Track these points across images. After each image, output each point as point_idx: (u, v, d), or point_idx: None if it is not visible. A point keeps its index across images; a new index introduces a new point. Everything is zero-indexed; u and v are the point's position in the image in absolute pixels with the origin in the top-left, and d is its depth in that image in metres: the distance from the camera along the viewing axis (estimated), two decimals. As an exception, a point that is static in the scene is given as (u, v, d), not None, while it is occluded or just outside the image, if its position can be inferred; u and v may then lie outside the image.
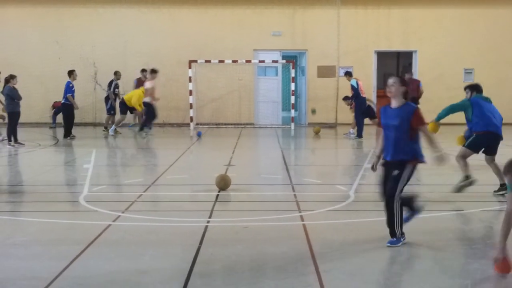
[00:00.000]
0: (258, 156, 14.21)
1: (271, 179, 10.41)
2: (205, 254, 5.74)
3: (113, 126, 18.13)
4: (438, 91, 21.98)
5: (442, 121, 8.77)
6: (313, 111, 19.27)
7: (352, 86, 17.34)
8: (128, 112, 18.57)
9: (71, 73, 17.11)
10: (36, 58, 21.07)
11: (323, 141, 17.21)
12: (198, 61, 20.66)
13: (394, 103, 5.96)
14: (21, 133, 15.72)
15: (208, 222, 7.02)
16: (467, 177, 8.56)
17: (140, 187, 9.24)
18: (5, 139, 15.12)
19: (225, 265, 5.44)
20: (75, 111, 17.12)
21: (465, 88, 9.07)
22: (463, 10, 22.10)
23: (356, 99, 17.27)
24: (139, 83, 19.28)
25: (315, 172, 11.66)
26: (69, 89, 16.80)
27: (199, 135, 17.62)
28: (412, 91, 18.75)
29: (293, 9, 21.91)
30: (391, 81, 5.96)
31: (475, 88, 9.03)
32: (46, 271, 5.18)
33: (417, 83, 18.83)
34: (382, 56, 22.89)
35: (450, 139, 10.81)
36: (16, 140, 14.89)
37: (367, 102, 17.36)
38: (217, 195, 8.56)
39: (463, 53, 22.09)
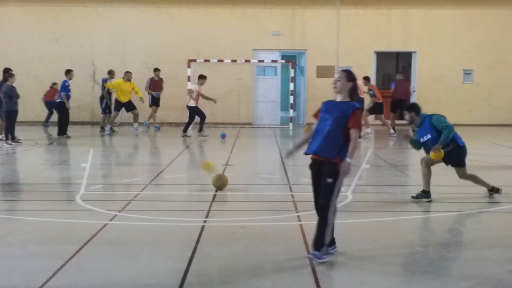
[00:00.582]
0: (256, 156, 14.19)
1: (269, 179, 10.40)
2: (202, 253, 5.72)
3: (108, 125, 18.14)
4: (437, 92, 22.02)
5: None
6: None
7: None
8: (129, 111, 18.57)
9: (68, 72, 17.13)
10: (35, 56, 21.06)
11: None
12: (197, 60, 20.63)
13: (339, 99, 5.45)
14: (18, 131, 15.70)
15: (205, 221, 7.00)
16: (425, 192, 8.19)
17: (137, 187, 9.22)
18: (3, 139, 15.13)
19: (222, 264, 5.42)
20: (71, 110, 17.15)
21: (406, 109, 8.23)
22: (463, 11, 22.11)
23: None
24: (153, 83, 19.30)
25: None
26: (64, 87, 16.82)
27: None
28: (400, 93, 18.71)
29: (292, 9, 21.91)
30: (336, 75, 5.46)
31: (414, 108, 8.22)
32: (43, 270, 5.16)
33: (407, 85, 18.68)
34: (382, 57, 22.90)
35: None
36: (13, 139, 14.87)
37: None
38: (214, 195, 8.54)
39: (462, 54, 22.11)
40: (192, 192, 9.13)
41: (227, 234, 6.44)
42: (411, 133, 8.56)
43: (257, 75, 22.41)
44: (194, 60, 20.62)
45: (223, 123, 21.16)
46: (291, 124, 20.66)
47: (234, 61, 20.82)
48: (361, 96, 17.36)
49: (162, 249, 5.90)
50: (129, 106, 18.41)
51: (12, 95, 14.82)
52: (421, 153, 8.50)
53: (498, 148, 15.55)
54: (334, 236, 5.58)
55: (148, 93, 19.56)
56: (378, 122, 19.42)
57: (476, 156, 12.90)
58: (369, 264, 5.44)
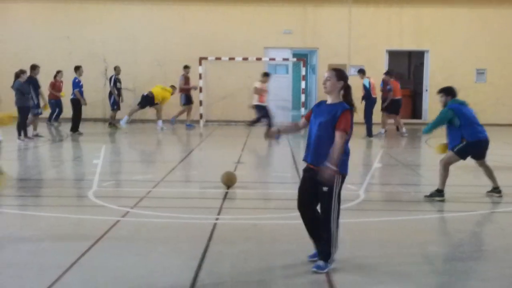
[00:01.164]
0: (267, 154, 14.16)
1: (281, 177, 10.37)
2: (214, 251, 5.70)
3: (126, 116, 18.29)
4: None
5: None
6: None
7: (364, 86, 17.21)
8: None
9: (77, 68, 17.17)
10: (46, 53, 21.12)
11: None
12: (208, 58, 20.62)
13: (329, 100, 5.19)
14: (31, 128, 15.75)
15: (217, 219, 6.99)
16: (439, 191, 8.21)
17: (149, 183, 9.22)
18: (39, 135, 15.34)
19: (234, 263, 5.40)
20: (84, 107, 17.20)
21: (439, 92, 8.42)
22: (476, 10, 21.95)
23: (367, 100, 17.14)
24: (185, 80, 19.33)
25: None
26: (76, 84, 16.87)
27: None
28: (396, 93, 18.27)
29: (304, 7, 21.85)
30: (326, 74, 5.19)
31: (450, 92, 8.38)
32: (55, 266, 5.16)
33: (398, 84, 18.31)
34: (394, 56, 22.78)
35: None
36: (26, 135, 14.93)
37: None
38: (226, 193, 8.53)
39: (475, 53, 21.94)
40: (204, 189, 9.11)
41: (239, 232, 6.42)
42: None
43: (268, 73, 22.34)
44: (205, 58, 20.61)
45: (235, 121, 21.13)
46: (302, 122, 20.60)
47: (245, 59, 20.78)
48: (374, 96, 17.27)
49: (174, 246, 5.89)
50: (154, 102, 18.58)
51: (24, 91, 14.88)
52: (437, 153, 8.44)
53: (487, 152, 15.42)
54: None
55: (183, 91, 19.49)
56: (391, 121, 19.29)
57: (491, 156, 12.80)
58: (382, 264, 5.40)
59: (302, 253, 5.66)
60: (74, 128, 16.85)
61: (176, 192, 8.73)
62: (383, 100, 17.74)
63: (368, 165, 11.90)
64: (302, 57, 22.07)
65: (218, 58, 20.63)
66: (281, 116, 19.74)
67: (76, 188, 9.45)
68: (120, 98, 18.96)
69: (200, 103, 20.47)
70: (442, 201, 8.09)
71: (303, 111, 21.10)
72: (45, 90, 17.41)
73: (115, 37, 21.60)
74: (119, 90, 18.88)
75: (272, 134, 5.59)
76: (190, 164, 11.60)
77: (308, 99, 22.86)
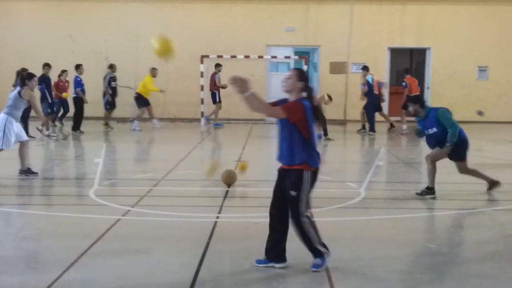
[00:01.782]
0: (268, 152, 14.12)
1: (282, 175, 10.36)
2: (215, 249, 5.72)
3: (136, 122, 18.06)
4: (452, 89, 21.86)
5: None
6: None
7: (367, 82, 17.24)
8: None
9: (78, 67, 17.17)
10: (49, 51, 21.12)
11: (333, 137, 17.14)
12: (210, 56, 20.62)
13: (290, 99, 5.14)
14: (31, 126, 15.73)
15: (217, 217, 7.00)
16: (429, 188, 8.20)
17: (150, 182, 9.24)
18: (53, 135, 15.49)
19: (234, 261, 5.42)
20: (86, 105, 17.20)
21: (408, 101, 8.66)
22: (478, 7, 21.91)
23: (369, 96, 17.17)
24: (219, 79, 19.31)
25: (325, 169, 11.58)
26: (77, 83, 16.87)
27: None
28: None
29: (306, 4, 21.83)
30: (287, 73, 5.16)
31: (418, 100, 8.52)
32: (56, 264, 5.18)
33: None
34: (396, 53, 22.76)
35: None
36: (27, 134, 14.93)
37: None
38: (227, 191, 8.54)
39: (477, 51, 21.91)
40: (204, 188, 9.13)
41: (240, 231, 6.43)
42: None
43: (270, 71, 22.36)
44: (207, 56, 20.61)
45: (236, 119, 21.13)
46: (304, 120, 20.59)
47: (247, 57, 20.78)
48: (376, 92, 17.30)
49: (174, 244, 5.91)
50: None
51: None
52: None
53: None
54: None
55: (216, 89, 19.44)
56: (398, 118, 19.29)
57: (493, 153, 12.81)
58: (383, 262, 5.41)
59: (303, 252, 5.67)
60: (76, 127, 16.85)
61: (177, 190, 8.75)
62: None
63: (369, 162, 11.90)
64: (304, 55, 22.05)
65: (220, 56, 20.62)
66: None
67: (77, 186, 9.47)
68: (115, 96, 18.79)
69: (202, 101, 20.48)
70: (434, 198, 8.08)
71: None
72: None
73: (117, 36, 21.62)
74: (114, 88, 18.71)
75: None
76: (191, 163, 11.61)
77: (309, 97, 22.84)
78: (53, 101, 15.94)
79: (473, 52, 21.91)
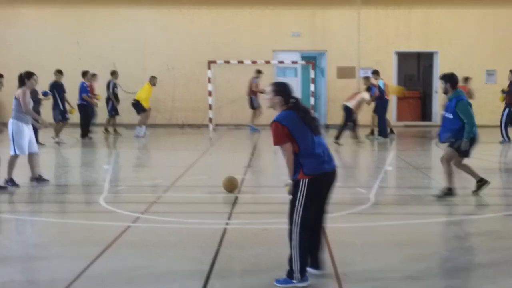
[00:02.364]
0: (277, 157, 14.12)
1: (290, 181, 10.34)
2: (224, 256, 5.72)
3: (143, 127, 18.00)
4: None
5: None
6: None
7: (379, 87, 17.17)
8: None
9: (85, 74, 17.20)
10: (56, 58, 21.18)
11: (342, 142, 17.12)
12: (218, 62, 20.65)
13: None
14: (40, 133, 15.78)
15: (227, 224, 7.00)
16: (449, 189, 8.29)
17: (159, 188, 9.26)
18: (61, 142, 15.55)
19: (244, 267, 5.41)
20: (96, 110, 17.28)
21: (441, 78, 8.31)
22: (485, 10, 21.85)
23: (380, 100, 17.10)
24: (257, 84, 19.34)
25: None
26: (84, 89, 16.86)
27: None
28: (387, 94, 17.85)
29: (312, 9, 21.83)
30: (266, 89, 5.15)
31: (453, 80, 8.26)
32: (66, 271, 5.20)
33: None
34: (403, 57, 22.72)
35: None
36: (37, 141, 14.97)
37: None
38: (236, 197, 8.54)
39: (485, 54, 21.83)
40: (214, 194, 9.12)
41: (249, 237, 6.43)
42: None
43: (277, 76, 22.34)
44: (214, 62, 20.64)
45: (243, 125, 21.13)
46: (311, 125, 20.55)
47: (254, 62, 20.78)
48: (387, 97, 17.21)
49: (184, 251, 5.91)
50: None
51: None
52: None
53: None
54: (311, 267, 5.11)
55: (254, 95, 19.45)
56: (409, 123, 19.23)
57: (500, 158, 12.75)
58: (393, 268, 5.39)
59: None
60: (84, 134, 16.87)
61: (186, 197, 8.75)
62: None
63: (378, 168, 11.88)
64: (311, 60, 22.03)
65: (227, 62, 20.65)
66: None
67: (87, 193, 9.49)
68: (118, 102, 18.84)
69: (210, 107, 20.50)
70: (452, 198, 8.15)
71: (312, 114, 21.04)
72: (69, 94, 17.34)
73: (124, 42, 21.68)
74: (116, 95, 18.77)
75: None
76: (199, 169, 11.61)
77: (317, 102, 22.83)
78: (65, 108, 15.98)
79: (480, 56, 21.83)
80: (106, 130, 18.50)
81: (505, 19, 21.78)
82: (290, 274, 4.92)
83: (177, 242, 6.23)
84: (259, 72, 19.87)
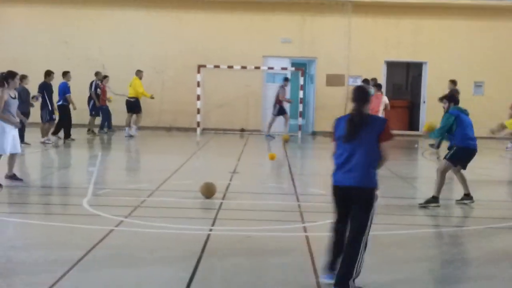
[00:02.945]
0: (263, 163, 14.13)
1: (276, 188, 10.35)
2: (206, 263, 5.68)
3: (134, 126, 18.26)
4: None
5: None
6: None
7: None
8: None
9: (65, 74, 16.99)
10: (44, 58, 21.03)
11: (330, 150, 17.14)
12: (207, 66, 20.63)
13: None
14: (26, 133, 15.67)
15: (210, 230, 6.96)
16: (434, 198, 8.50)
17: (144, 192, 9.20)
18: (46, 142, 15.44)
19: (226, 275, 5.38)
20: (81, 113, 17.20)
21: (442, 99, 8.87)
22: (474, 22, 21.99)
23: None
24: (283, 92, 19.32)
25: (320, 182, 11.57)
26: (68, 89, 16.65)
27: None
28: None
29: (302, 16, 21.85)
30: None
31: (453, 99, 8.83)
32: (46, 276, 5.14)
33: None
34: (392, 66, 22.81)
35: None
36: (22, 141, 14.84)
37: None
38: (221, 203, 8.51)
39: (473, 66, 21.96)
40: (198, 199, 9.07)
41: (233, 244, 6.39)
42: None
43: (266, 82, 22.36)
44: (204, 66, 20.62)
45: (232, 130, 21.12)
46: (299, 132, 20.60)
47: (243, 67, 20.79)
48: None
49: (166, 257, 5.87)
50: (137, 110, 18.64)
51: (23, 98, 14.87)
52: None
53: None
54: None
55: (279, 103, 19.38)
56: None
57: (487, 170, 12.82)
58: (374, 279, 5.38)
59: (295, 267, 5.65)
60: (66, 135, 16.64)
61: (170, 201, 8.70)
62: None
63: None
64: (301, 67, 22.09)
65: (216, 66, 20.64)
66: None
67: (70, 195, 9.41)
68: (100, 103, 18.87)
69: (198, 111, 20.47)
70: (437, 207, 8.33)
71: (300, 120, 21.09)
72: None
73: (112, 43, 21.59)
74: (98, 95, 18.77)
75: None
76: (185, 173, 11.57)
77: (305, 109, 22.87)
78: (53, 108, 15.85)
79: (469, 68, 21.95)
80: (90, 130, 18.44)
81: (494, 31, 21.94)
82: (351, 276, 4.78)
83: (159, 248, 6.19)
84: (286, 80, 19.79)
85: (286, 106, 20.08)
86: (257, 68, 21.08)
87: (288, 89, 20.28)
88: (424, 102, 22.29)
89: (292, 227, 7.23)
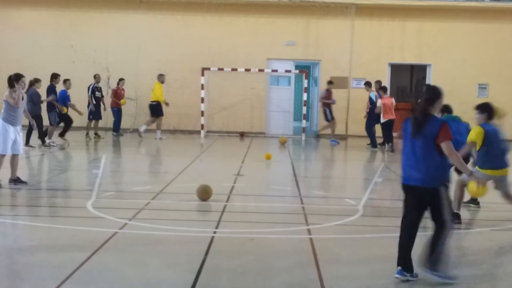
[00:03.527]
0: (268, 166, 14.14)
1: (280, 191, 10.35)
2: (211, 265, 5.69)
3: (144, 125, 18.49)
4: (451, 106, 21.83)
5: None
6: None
7: (370, 99, 17.26)
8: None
9: (65, 81, 16.94)
10: (50, 61, 21.11)
11: (334, 153, 17.14)
12: (211, 69, 20.66)
13: None
14: (32, 136, 15.73)
15: (215, 232, 6.97)
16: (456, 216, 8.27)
17: (148, 195, 9.21)
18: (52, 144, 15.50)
19: (230, 277, 5.39)
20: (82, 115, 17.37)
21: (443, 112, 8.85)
22: (479, 24, 21.96)
23: (371, 112, 17.20)
24: (328, 94, 19.33)
25: (325, 185, 11.58)
26: (68, 97, 16.62)
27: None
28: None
29: (307, 19, 21.87)
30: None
31: (446, 109, 8.90)
32: (51, 278, 5.15)
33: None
34: (396, 69, 22.79)
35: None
36: (27, 143, 14.89)
37: None
38: (225, 205, 8.52)
39: (477, 68, 21.93)
40: (202, 202, 9.09)
41: (237, 246, 6.40)
42: None
43: (270, 84, 22.38)
44: (208, 69, 20.65)
45: (236, 132, 21.12)
46: (303, 135, 20.59)
47: (248, 70, 20.80)
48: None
49: (171, 259, 5.88)
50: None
51: (36, 101, 14.98)
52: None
53: None
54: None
55: (327, 106, 19.42)
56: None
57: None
58: (379, 281, 5.38)
59: (299, 269, 5.65)
60: (61, 134, 16.65)
61: (175, 204, 8.71)
62: None
63: (367, 179, 11.88)
64: (305, 69, 22.09)
65: (220, 69, 20.66)
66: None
67: (75, 198, 9.41)
68: (101, 107, 18.82)
69: (202, 113, 20.49)
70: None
71: (304, 123, 21.07)
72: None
73: (118, 46, 21.64)
74: (97, 99, 18.71)
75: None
76: (190, 176, 11.58)
77: (309, 111, 22.86)
78: (59, 111, 15.94)
79: (473, 70, 21.92)
80: (87, 134, 18.30)
81: (498, 33, 21.90)
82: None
83: (164, 250, 6.20)
84: (330, 82, 19.77)
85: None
86: (261, 70, 21.09)
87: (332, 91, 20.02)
88: (428, 104, 22.21)
89: (296, 230, 7.23)
